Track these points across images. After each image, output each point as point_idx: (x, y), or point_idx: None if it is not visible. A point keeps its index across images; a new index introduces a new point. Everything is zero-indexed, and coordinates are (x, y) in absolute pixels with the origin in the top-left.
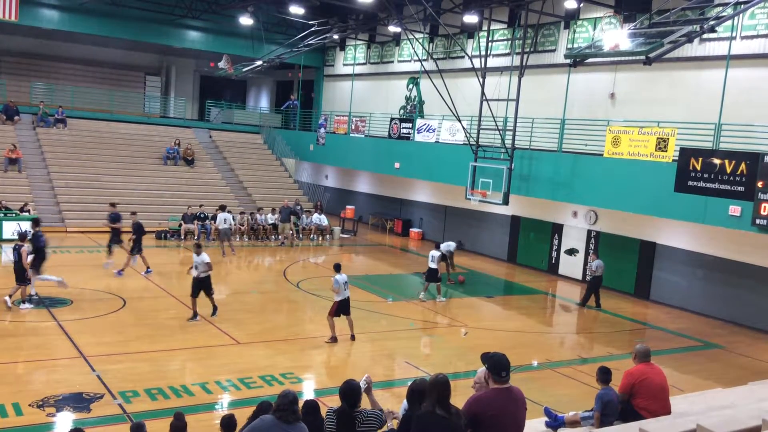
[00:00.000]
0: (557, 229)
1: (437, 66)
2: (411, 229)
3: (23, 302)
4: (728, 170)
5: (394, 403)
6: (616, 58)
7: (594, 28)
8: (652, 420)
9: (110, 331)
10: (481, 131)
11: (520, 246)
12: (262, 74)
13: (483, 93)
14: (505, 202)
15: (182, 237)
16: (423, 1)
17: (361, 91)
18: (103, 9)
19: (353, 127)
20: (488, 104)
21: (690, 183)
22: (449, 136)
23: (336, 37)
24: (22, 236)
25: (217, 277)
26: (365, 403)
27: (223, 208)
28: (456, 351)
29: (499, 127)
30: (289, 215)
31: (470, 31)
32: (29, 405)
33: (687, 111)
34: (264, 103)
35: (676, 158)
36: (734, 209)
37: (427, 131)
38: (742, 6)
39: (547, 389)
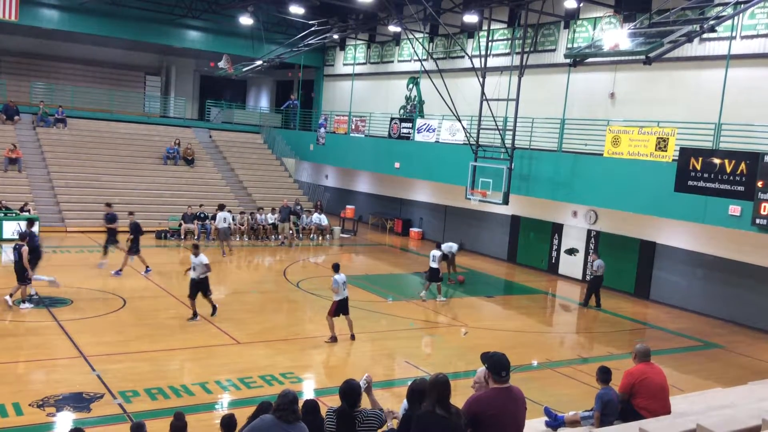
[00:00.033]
0: (557, 228)
1: (437, 66)
2: (411, 229)
3: (23, 302)
4: (728, 170)
5: (394, 403)
6: (616, 58)
7: (594, 28)
8: (652, 420)
9: (110, 331)
10: (481, 131)
11: (520, 246)
12: (262, 74)
13: (483, 93)
14: (505, 201)
15: (182, 237)
16: (423, 1)
17: (361, 91)
18: (103, 9)
19: (353, 127)
20: (488, 104)
21: (690, 183)
22: (449, 135)
23: (336, 36)
24: (23, 236)
25: (217, 276)
26: (365, 403)
27: (221, 207)
28: (456, 351)
29: (499, 127)
30: (288, 215)
31: (470, 31)
32: (29, 405)
33: (687, 111)
34: (264, 102)
35: (676, 158)
36: (734, 209)
37: (427, 131)
38: (742, 6)
39: (547, 389)
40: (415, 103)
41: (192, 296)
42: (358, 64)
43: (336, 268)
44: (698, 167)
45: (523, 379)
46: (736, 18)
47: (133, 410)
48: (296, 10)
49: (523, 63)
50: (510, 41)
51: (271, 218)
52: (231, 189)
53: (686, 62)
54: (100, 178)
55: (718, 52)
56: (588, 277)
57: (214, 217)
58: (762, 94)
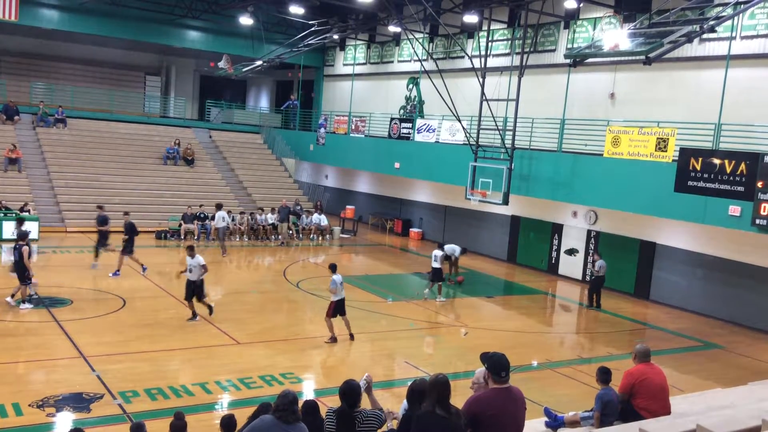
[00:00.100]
0: (557, 229)
1: (437, 66)
2: (411, 229)
3: (23, 302)
4: (728, 170)
5: (394, 403)
6: (616, 58)
7: (594, 28)
8: (652, 420)
9: (110, 331)
10: (481, 131)
11: (520, 246)
12: (262, 74)
13: (483, 93)
14: (505, 202)
15: (182, 237)
16: (423, 1)
17: (361, 91)
18: (103, 9)
19: (353, 127)
20: (488, 104)
21: (690, 183)
22: (449, 136)
23: (336, 37)
24: (23, 235)
25: (217, 276)
26: (365, 403)
27: (219, 206)
28: (456, 351)
29: (499, 127)
30: (287, 215)
31: (470, 31)
32: (29, 405)
33: (687, 111)
34: (264, 103)
35: (676, 158)
36: (734, 209)
37: (427, 131)
38: (742, 6)
39: (547, 389)
40: (415, 103)
41: (188, 298)
42: (358, 64)
43: (333, 268)
44: (698, 167)
45: (523, 380)
46: (736, 18)
47: (133, 410)
48: (296, 10)
49: (523, 63)
50: (510, 41)
51: (271, 218)
52: (231, 189)
53: (686, 62)
54: (100, 178)
55: (718, 53)
56: (588, 278)
57: (213, 217)
58: (762, 94)
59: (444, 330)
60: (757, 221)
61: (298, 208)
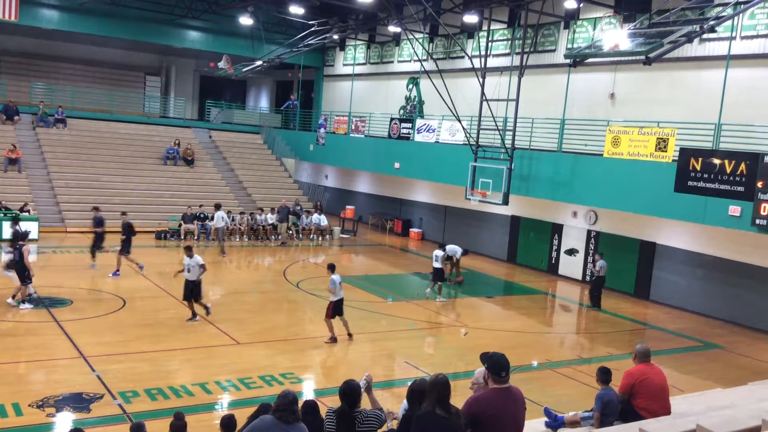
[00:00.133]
0: (557, 229)
1: (437, 66)
2: (411, 229)
3: (23, 302)
4: (728, 170)
5: (394, 403)
6: (616, 58)
7: (594, 28)
8: (652, 420)
9: (110, 331)
10: (481, 131)
11: (520, 246)
12: (262, 74)
13: (483, 93)
14: (505, 202)
15: (182, 237)
16: (423, 1)
17: (361, 91)
18: (103, 9)
19: (353, 127)
20: (488, 104)
21: (690, 183)
22: (449, 136)
23: (336, 37)
24: (23, 235)
25: (216, 276)
26: (365, 403)
27: (218, 206)
28: (456, 351)
29: (499, 127)
30: (286, 215)
31: (470, 31)
32: (29, 405)
33: (687, 111)
34: (264, 103)
35: (676, 158)
36: (734, 209)
37: (427, 131)
38: (742, 6)
39: (547, 389)
40: (415, 103)
41: (186, 298)
42: (358, 64)
43: (332, 268)
44: (698, 167)
45: (523, 380)
46: (736, 18)
47: (133, 410)
48: (296, 10)
49: (523, 63)
50: (510, 41)
51: (271, 218)
52: (231, 189)
53: (686, 62)
54: (100, 178)
55: (718, 53)
56: (588, 278)
57: (212, 218)
58: (762, 94)
59: (444, 330)
60: (757, 221)
61: (298, 208)
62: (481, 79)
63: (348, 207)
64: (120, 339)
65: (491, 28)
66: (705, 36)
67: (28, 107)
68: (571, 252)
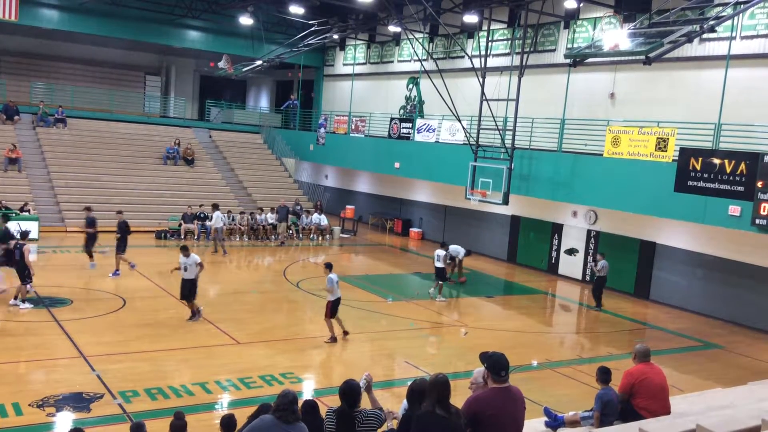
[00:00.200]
0: (557, 229)
1: (437, 66)
2: (411, 229)
3: (23, 302)
4: (728, 170)
5: (394, 403)
6: (616, 58)
7: (594, 28)
8: (651, 420)
9: (110, 331)
10: (481, 131)
11: (520, 246)
12: (262, 74)
13: (483, 93)
14: (505, 202)
15: (182, 237)
16: (423, 1)
17: (361, 91)
18: (103, 9)
19: (353, 127)
20: (488, 104)
21: (690, 183)
22: (449, 136)
23: (336, 36)
24: (24, 235)
25: (217, 276)
26: (365, 402)
27: (215, 206)
28: (456, 351)
29: (499, 127)
30: (285, 215)
31: (470, 31)
32: (29, 405)
33: (687, 111)
34: (264, 103)
35: (676, 158)
36: (734, 209)
37: (427, 131)
38: (742, 6)
39: (547, 389)
40: (415, 103)
41: (184, 297)
42: (358, 64)
43: (330, 267)
44: (698, 167)
45: (522, 379)
46: (736, 18)
47: (133, 410)
48: (296, 10)
49: (523, 63)
50: (510, 41)
51: (271, 218)
52: (231, 189)
53: (686, 62)
54: (100, 178)
55: (718, 52)
56: (588, 278)
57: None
58: (762, 94)
59: (444, 330)
60: (757, 221)
61: (298, 208)
62: (481, 79)
63: (348, 207)
64: (120, 339)
65: (491, 28)
66: (705, 36)
67: (28, 107)
68: (571, 252)
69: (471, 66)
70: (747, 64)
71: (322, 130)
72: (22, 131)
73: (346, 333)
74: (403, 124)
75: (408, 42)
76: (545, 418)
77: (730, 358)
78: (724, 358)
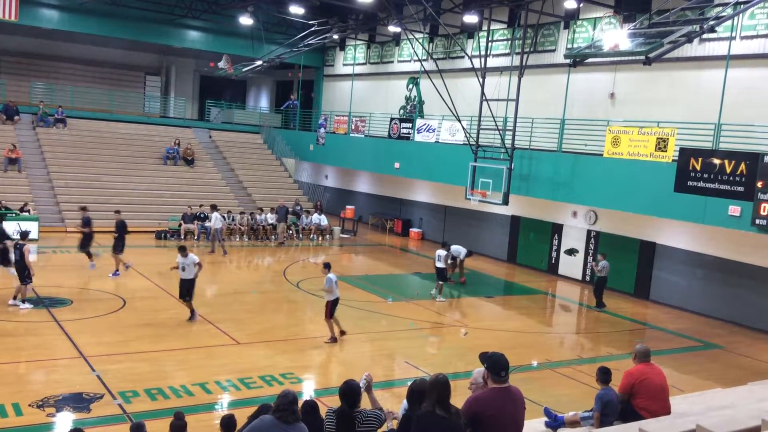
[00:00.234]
0: (557, 229)
1: (437, 66)
2: (411, 229)
3: (23, 302)
4: (728, 170)
5: (394, 403)
6: (615, 58)
7: (594, 28)
8: (652, 420)
9: (110, 331)
10: (481, 131)
11: (520, 246)
12: (262, 74)
13: (483, 93)
14: (505, 202)
15: (182, 237)
16: (423, 1)
17: (361, 91)
18: (103, 9)
19: (353, 127)
20: (488, 104)
21: (690, 183)
22: (449, 136)
23: (336, 37)
24: (24, 235)
25: (217, 276)
26: (365, 402)
27: (214, 207)
28: (456, 351)
29: (499, 127)
30: (285, 215)
31: (470, 31)
32: (29, 405)
33: (687, 111)
34: (264, 103)
35: (676, 158)
36: (734, 209)
37: (427, 131)
38: (742, 6)
39: (546, 389)
40: (415, 103)
41: (183, 297)
42: (358, 64)
43: (328, 267)
44: (698, 167)
45: (522, 380)
46: (735, 18)
47: (133, 410)
48: (296, 10)
49: (523, 63)
50: (510, 41)
51: (271, 218)
52: (231, 189)
53: (686, 62)
54: (100, 178)
55: (718, 53)
56: (588, 278)
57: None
58: (762, 94)
59: (444, 330)
60: (757, 221)
61: (298, 208)
62: (481, 79)
63: (348, 207)
64: (120, 339)
65: (491, 28)
66: (705, 36)
67: (28, 107)
68: (571, 252)
69: (471, 66)
70: (747, 64)
71: (322, 130)
72: (22, 131)
73: (342, 333)
74: (403, 124)
75: (408, 42)
76: (545, 419)
77: (730, 358)
78: (724, 358)
